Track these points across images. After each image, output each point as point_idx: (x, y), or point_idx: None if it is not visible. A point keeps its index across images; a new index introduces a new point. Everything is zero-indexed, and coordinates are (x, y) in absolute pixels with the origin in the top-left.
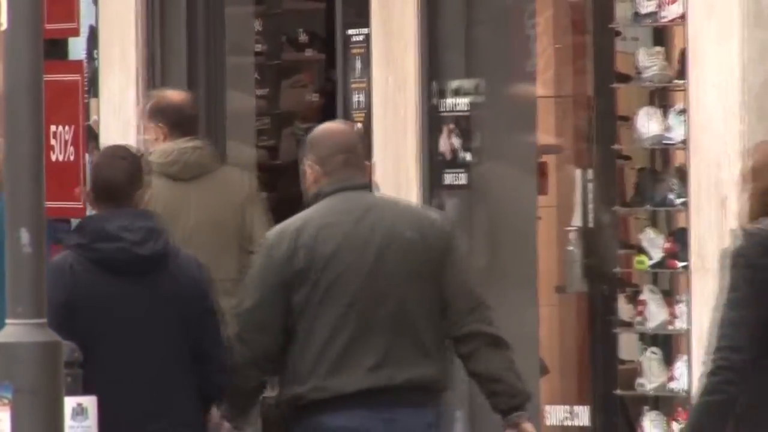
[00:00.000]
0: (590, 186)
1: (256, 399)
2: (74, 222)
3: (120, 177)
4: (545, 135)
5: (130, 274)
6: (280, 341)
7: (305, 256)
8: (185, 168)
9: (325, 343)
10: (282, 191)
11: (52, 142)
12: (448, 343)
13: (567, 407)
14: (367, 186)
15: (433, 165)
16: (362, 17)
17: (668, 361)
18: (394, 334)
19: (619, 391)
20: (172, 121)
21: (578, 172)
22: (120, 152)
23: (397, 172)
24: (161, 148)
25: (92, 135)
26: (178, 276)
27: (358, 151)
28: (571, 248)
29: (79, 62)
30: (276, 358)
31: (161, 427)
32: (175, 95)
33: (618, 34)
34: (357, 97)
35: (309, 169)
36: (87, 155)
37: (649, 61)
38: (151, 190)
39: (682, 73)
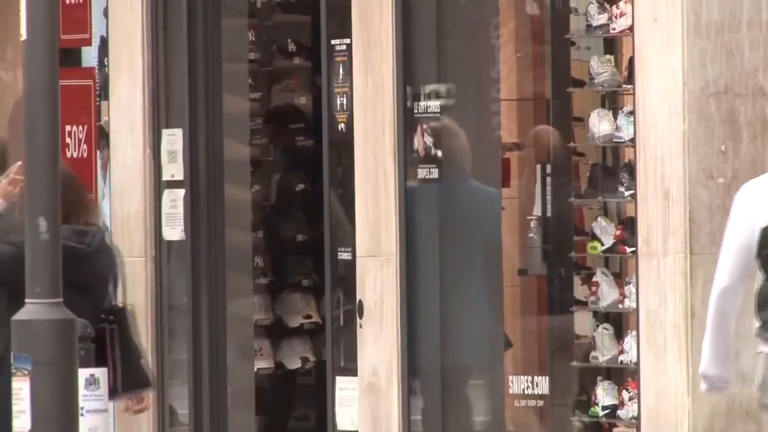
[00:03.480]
0: (548, 179)
1: None
2: None
3: None
4: (508, 134)
5: None
6: None
7: None
8: None
9: None
10: (276, 184)
11: (68, 140)
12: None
13: (528, 377)
14: None
15: (408, 161)
16: (344, 29)
17: (619, 336)
18: None
19: (575, 363)
20: None
21: (538, 167)
22: None
23: (376, 167)
24: None
25: (103, 134)
26: None
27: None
28: (531, 235)
29: (91, 69)
30: None
31: None
32: None
33: (573, 43)
34: (340, 100)
35: None
36: (98, 152)
37: (601, 68)
38: None
39: (630, 79)
